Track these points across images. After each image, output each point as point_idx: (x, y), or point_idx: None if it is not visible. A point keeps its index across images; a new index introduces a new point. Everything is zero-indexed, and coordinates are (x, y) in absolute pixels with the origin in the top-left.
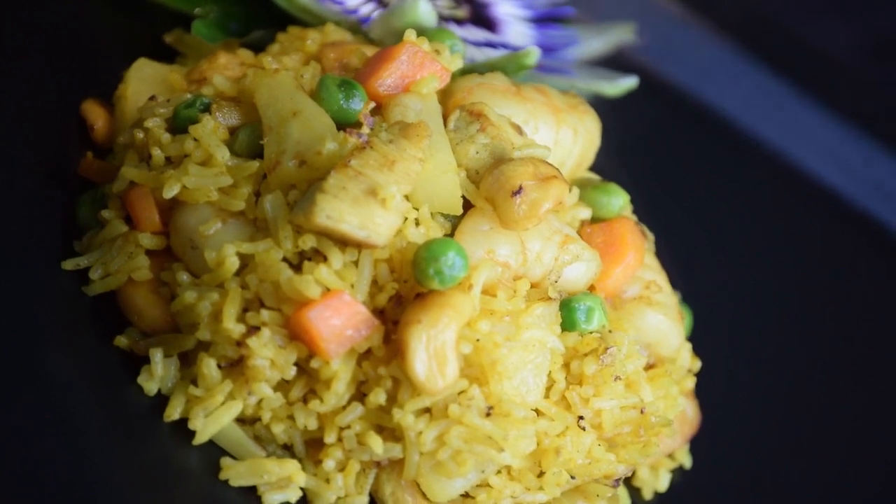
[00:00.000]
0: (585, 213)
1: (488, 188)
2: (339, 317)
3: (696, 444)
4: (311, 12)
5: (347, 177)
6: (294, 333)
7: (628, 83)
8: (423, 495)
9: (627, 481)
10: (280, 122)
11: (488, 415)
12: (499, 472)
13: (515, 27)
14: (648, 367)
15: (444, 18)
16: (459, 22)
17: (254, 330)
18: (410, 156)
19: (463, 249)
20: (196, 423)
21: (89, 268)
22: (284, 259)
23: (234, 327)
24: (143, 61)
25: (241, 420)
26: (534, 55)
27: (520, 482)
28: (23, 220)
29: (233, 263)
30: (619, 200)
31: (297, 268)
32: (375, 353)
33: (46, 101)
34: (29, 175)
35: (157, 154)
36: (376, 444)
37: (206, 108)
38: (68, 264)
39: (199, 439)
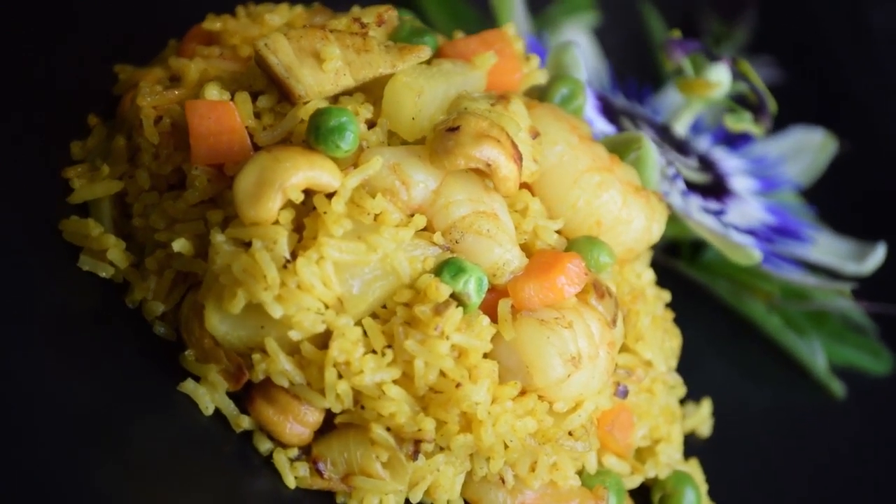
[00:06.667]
0: (554, 238)
1: (438, 123)
2: (217, 123)
3: None
4: None
5: (314, 35)
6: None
7: (754, 256)
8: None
9: None
10: None
11: (285, 267)
12: (292, 355)
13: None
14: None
15: (689, 186)
16: (697, 188)
17: (160, 119)
18: (387, 59)
19: (357, 127)
20: (75, 183)
21: None
22: None
23: (144, 106)
24: None
25: (128, 216)
26: (642, 141)
27: (302, 372)
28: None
29: (192, 71)
30: (603, 256)
31: None
32: None
33: None
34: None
35: (242, 14)
36: (178, 244)
37: None
38: (117, 67)
39: (72, 198)
